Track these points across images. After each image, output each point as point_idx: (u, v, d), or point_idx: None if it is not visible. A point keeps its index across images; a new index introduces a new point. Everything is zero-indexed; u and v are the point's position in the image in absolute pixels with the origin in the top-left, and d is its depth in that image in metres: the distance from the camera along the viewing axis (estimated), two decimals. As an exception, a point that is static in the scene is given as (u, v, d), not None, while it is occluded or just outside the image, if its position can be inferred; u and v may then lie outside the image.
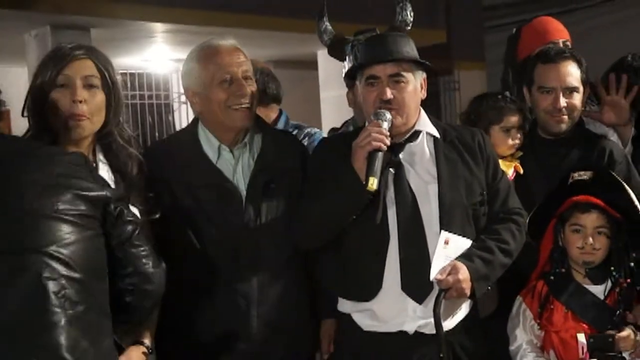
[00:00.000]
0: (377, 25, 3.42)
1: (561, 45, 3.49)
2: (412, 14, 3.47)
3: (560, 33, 3.63)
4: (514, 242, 2.69)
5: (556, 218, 2.85)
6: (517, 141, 3.19)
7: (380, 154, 2.50)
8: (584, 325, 2.73)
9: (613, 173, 2.85)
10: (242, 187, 2.71)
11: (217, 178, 2.71)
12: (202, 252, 2.67)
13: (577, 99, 3.09)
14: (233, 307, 2.65)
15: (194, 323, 2.68)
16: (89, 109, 2.35)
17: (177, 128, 8.99)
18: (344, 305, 2.70)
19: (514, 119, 3.18)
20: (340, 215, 2.59)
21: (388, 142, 2.52)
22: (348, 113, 3.89)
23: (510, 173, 3.05)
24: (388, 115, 2.57)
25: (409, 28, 3.48)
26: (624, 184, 2.81)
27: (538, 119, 3.18)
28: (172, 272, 2.57)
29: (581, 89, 3.10)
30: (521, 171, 3.11)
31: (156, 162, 2.65)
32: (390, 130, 2.56)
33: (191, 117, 4.17)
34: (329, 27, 3.57)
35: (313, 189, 2.65)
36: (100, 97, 2.39)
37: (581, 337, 2.70)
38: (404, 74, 2.62)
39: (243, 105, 2.72)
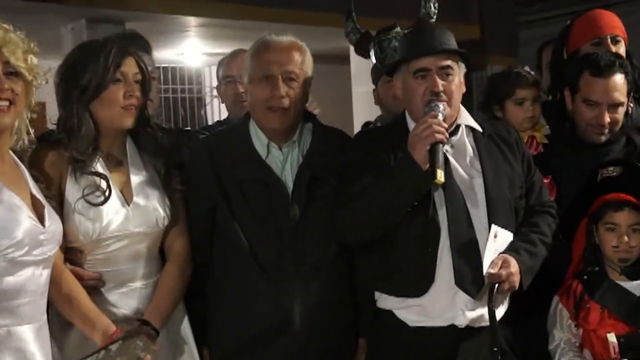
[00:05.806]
0: (399, 20, 3.40)
1: (609, 40, 3.37)
2: (436, 5, 3.43)
3: (610, 28, 3.43)
4: (551, 235, 2.71)
5: (588, 217, 2.82)
6: (531, 114, 3.19)
7: (441, 146, 2.46)
8: (621, 322, 2.70)
9: None
10: (290, 183, 2.68)
11: (265, 174, 2.68)
12: (248, 246, 2.65)
13: (621, 112, 3.05)
14: (276, 303, 2.63)
15: (237, 317, 2.68)
16: (137, 101, 2.58)
17: (209, 122, 9.03)
18: (386, 302, 2.66)
19: (525, 92, 3.19)
20: (398, 209, 2.53)
21: (447, 134, 2.51)
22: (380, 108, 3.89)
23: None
24: (442, 107, 2.53)
25: (432, 20, 3.45)
26: None
27: (577, 125, 3.12)
28: (217, 265, 2.71)
29: (625, 101, 3.06)
30: (539, 140, 3.11)
31: (209, 155, 2.73)
32: None
33: (223, 111, 4.19)
34: (356, 27, 3.56)
35: (360, 182, 2.57)
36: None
37: (611, 337, 2.67)
38: (452, 65, 2.61)
39: (277, 106, 2.66)
